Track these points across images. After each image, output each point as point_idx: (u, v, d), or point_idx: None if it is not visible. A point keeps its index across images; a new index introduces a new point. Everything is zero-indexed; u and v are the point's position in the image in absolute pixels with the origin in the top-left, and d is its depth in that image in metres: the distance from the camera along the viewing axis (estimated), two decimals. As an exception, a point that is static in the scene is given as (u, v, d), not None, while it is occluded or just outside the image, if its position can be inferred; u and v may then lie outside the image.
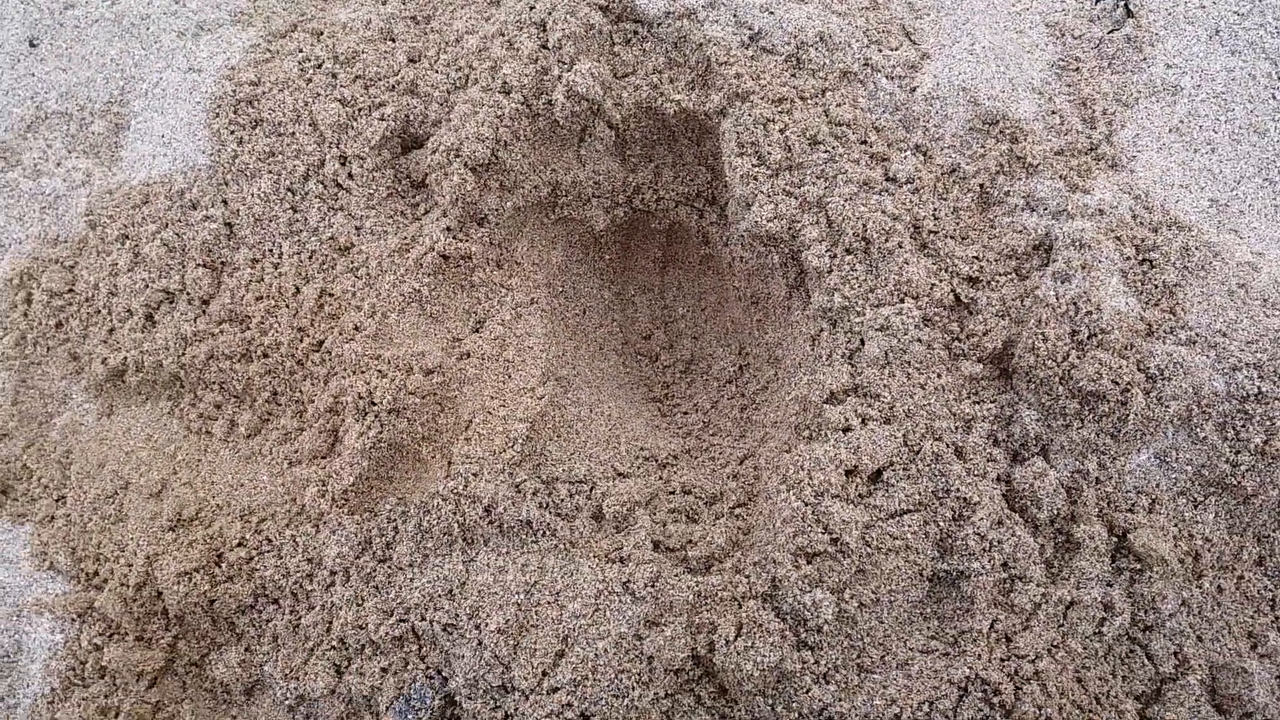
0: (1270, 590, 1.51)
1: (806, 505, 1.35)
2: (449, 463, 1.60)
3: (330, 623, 1.59)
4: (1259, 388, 1.44)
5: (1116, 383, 1.40)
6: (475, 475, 1.54)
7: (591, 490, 1.57)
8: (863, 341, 1.53)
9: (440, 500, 1.53)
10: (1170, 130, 1.77)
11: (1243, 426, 1.45)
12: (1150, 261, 1.54)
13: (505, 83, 1.81)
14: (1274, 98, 1.80)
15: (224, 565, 1.65)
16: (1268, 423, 1.44)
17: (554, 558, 1.49)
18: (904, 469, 1.40)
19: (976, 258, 1.59)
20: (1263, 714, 1.37)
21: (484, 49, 1.88)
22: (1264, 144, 1.75)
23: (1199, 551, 1.46)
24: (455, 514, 1.51)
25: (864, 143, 1.72)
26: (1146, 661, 1.41)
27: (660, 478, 1.64)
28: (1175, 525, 1.46)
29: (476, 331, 1.77)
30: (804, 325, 1.68)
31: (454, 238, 1.78)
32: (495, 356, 1.71)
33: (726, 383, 1.91)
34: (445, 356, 1.69)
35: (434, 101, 1.87)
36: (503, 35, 1.88)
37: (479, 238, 1.82)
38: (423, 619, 1.50)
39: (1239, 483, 1.46)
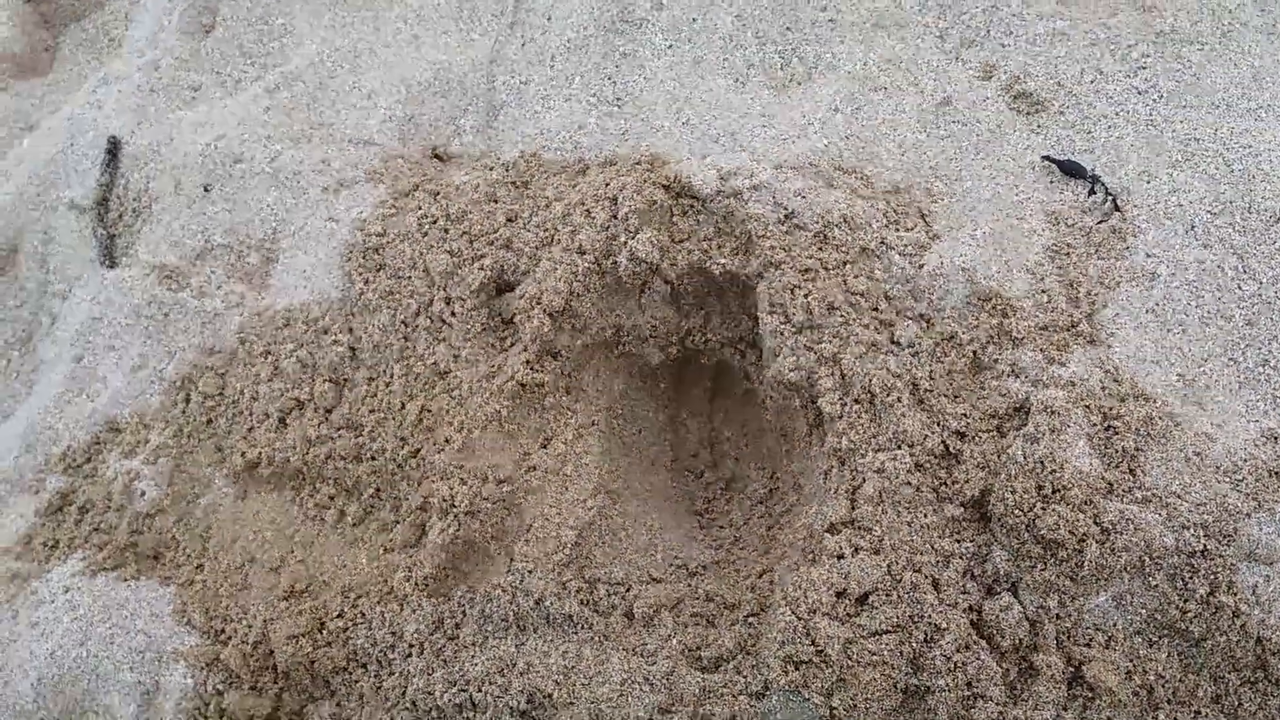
0: (1223, 727, 1.55)
1: (799, 620, 1.47)
2: (510, 559, 1.74)
3: (405, 688, 1.70)
4: (1205, 545, 1.52)
5: (1073, 533, 1.50)
6: (530, 572, 1.68)
7: (627, 592, 1.69)
8: (863, 480, 1.65)
9: (500, 591, 1.67)
10: (1147, 311, 1.86)
11: (1190, 578, 1.52)
12: (1114, 429, 1.64)
13: (581, 245, 2.00)
14: (1239, 287, 1.88)
15: (325, 632, 1.78)
16: (1212, 576, 1.51)
17: (590, 648, 1.61)
18: (886, 595, 1.50)
19: (965, 415, 1.70)
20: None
21: (567, 215, 2.07)
22: (1229, 327, 1.82)
23: (1152, 686, 1.52)
24: (511, 604, 1.65)
25: (875, 309, 1.85)
26: (1096, 782, 1.46)
27: (689, 585, 1.75)
28: (1130, 661, 1.51)
29: (544, 448, 1.92)
30: (820, 460, 1.81)
31: (531, 369, 1.95)
32: (556, 470, 1.86)
33: (758, 503, 2.02)
34: (516, 469, 1.84)
35: (524, 255, 2.05)
36: (583, 204, 2.07)
37: (552, 369, 1.98)
38: (479, 690, 1.62)
39: (1188, 627, 1.51)
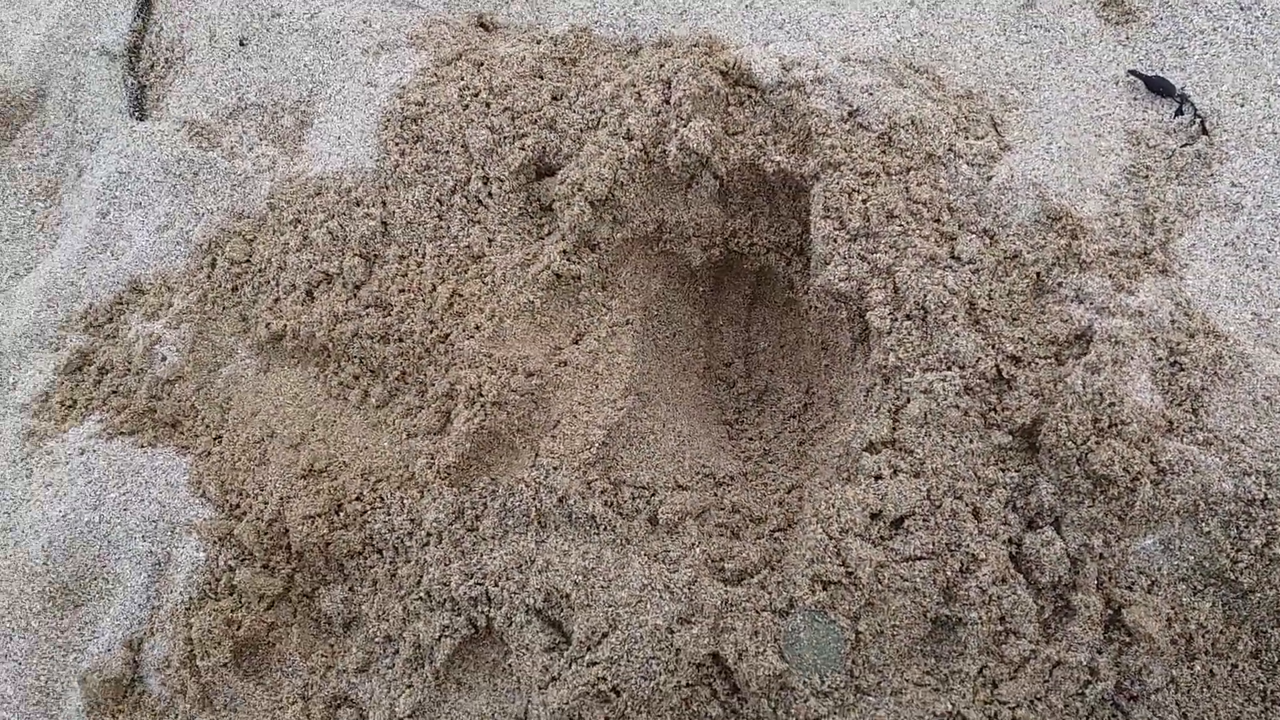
0: (1262, 682, 1.51)
1: (830, 539, 1.42)
2: (535, 454, 1.70)
3: (421, 577, 1.68)
4: (1265, 494, 1.45)
5: (1127, 471, 1.43)
6: (555, 469, 1.64)
7: (652, 497, 1.65)
8: (908, 400, 1.58)
9: (524, 486, 1.63)
10: (1226, 244, 1.76)
11: (1245, 527, 1.45)
12: (1180, 365, 1.56)
13: (629, 130, 1.90)
14: (1328, 226, 1.78)
15: (342, 514, 1.75)
16: (1270, 527, 1.45)
17: (611, 550, 1.58)
18: (923, 520, 1.45)
19: (1022, 339, 1.62)
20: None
21: (616, 96, 1.97)
22: (1313, 268, 1.73)
23: (1192, 635, 1.47)
24: (534, 499, 1.62)
25: (936, 221, 1.75)
26: (1124, 725, 1.44)
27: (715, 494, 1.71)
28: (1172, 608, 1.47)
29: (576, 343, 1.86)
30: (862, 377, 1.74)
31: (568, 259, 1.88)
32: (588, 367, 1.81)
33: (791, 417, 1.97)
34: (546, 362, 1.79)
35: (568, 138, 1.96)
36: (634, 86, 1.97)
37: (589, 261, 1.91)
38: (496, 584, 1.61)
39: (1237, 578, 1.46)
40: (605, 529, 1.61)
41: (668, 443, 1.79)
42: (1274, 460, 1.47)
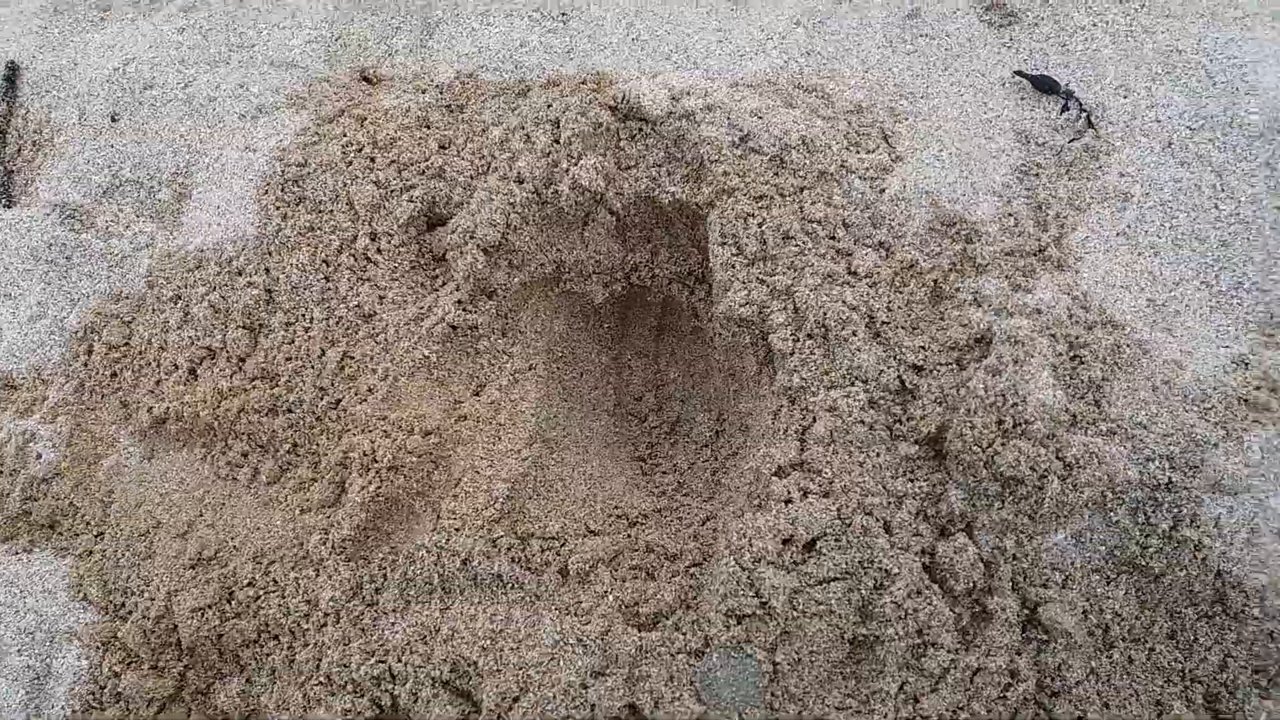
0: (1180, 662, 1.54)
1: (743, 570, 1.42)
2: (437, 517, 1.68)
3: (320, 660, 1.65)
4: (1170, 478, 1.49)
5: (1034, 469, 1.46)
6: (457, 530, 1.62)
7: (562, 547, 1.64)
8: (814, 419, 1.60)
9: (424, 552, 1.61)
10: (1118, 234, 1.82)
11: (1153, 513, 1.49)
12: (1080, 358, 1.60)
13: (519, 173, 1.92)
14: (1216, 207, 1.84)
15: (234, 603, 1.71)
16: (1176, 510, 1.49)
17: (520, 609, 1.57)
18: (835, 540, 1.46)
19: (923, 347, 1.65)
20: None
21: (505, 140, 1.99)
22: (1204, 249, 1.79)
23: (1109, 625, 1.51)
24: (436, 565, 1.60)
25: (832, 238, 1.79)
26: (1049, 725, 1.45)
27: (628, 536, 1.71)
28: (1087, 600, 1.50)
29: (476, 395, 1.86)
30: (769, 400, 1.76)
31: (464, 309, 1.88)
32: (489, 419, 1.80)
33: (703, 446, 1.98)
34: (445, 419, 1.78)
35: (458, 186, 1.97)
36: (522, 129, 1.98)
37: (487, 309, 1.91)
38: (399, 660, 1.58)
39: (1148, 564, 1.50)
40: (513, 587, 1.60)
41: (578, 488, 1.78)
42: (1175, 444, 1.51)
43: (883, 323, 1.68)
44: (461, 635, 1.54)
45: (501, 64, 2.31)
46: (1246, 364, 1.63)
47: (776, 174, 1.86)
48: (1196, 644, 1.54)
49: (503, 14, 2.39)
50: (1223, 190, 1.85)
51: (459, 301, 1.88)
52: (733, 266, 1.79)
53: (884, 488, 1.52)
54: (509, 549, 1.62)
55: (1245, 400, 1.59)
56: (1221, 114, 1.94)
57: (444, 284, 1.94)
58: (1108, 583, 1.53)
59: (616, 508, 1.78)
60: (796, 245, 1.77)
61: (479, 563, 1.59)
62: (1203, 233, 1.80)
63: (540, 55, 2.31)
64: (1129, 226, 1.82)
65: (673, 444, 2.04)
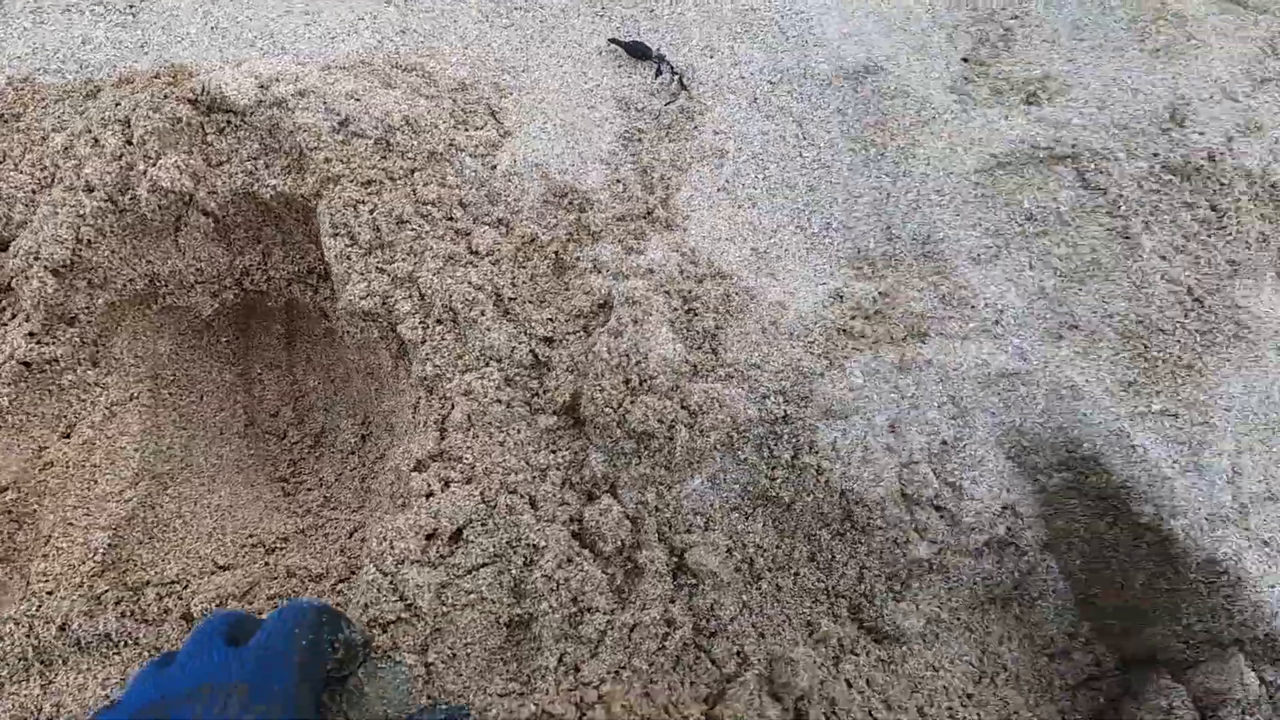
0: (823, 581, 1.71)
1: (385, 575, 1.39)
2: (27, 583, 1.48)
3: None
4: (785, 411, 1.64)
5: (662, 421, 1.54)
6: (50, 593, 1.43)
7: (184, 590, 1.51)
8: (453, 406, 1.59)
9: (13, 624, 1.41)
10: (719, 190, 1.96)
11: (775, 445, 1.63)
12: (694, 311, 1.71)
13: (88, 181, 1.73)
14: (800, 155, 2.03)
15: None
16: (795, 439, 1.64)
17: (138, 666, 1.42)
18: (481, 525, 1.46)
19: (551, 319, 1.69)
20: (808, 696, 1.55)
21: (69, 147, 1.80)
22: (794, 196, 1.97)
23: (753, 558, 1.63)
24: (29, 637, 1.40)
25: (449, 219, 1.77)
26: (711, 665, 1.54)
27: (265, 564, 1.60)
28: (729, 539, 1.62)
29: (65, 438, 1.65)
30: (409, 394, 1.72)
31: (38, 342, 1.66)
32: (82, 463, 1.60)
33: (350, 454, 1.89)
34: (26, 470, 1.56)
35: (18, 204, 1.76)
36: (88, 133, 1.80)
37: (68, 339, 1.70)
38: (-5, 754, 1.38)
39: (779, 494, 1.64)
40: (127, 644, 1.44)
41: (202, 522, 1.64)
42: (786, 379, 1.66)
43: (510, 299, 1.69)
44: (69, 709, 1.37)
45: (64, 65, 2.08)
46: (841, 297, 1.82)
47: (384, 157, 1.81)
48: (834, 562, 1.71)
49: (59, 9, 2.16)
50: (804, 139, 2.06)
51: (31, 334, 1.67)
52: (348, 258, 1.73)
53: (527, 463, 1.54)
54: (118, 603, 1.45)
55: (843, 330, 1.77)
56: (795, 66, 2.15)
57: (14, 316, 1.72)
58: (746, 518, 1.65)
59: (251, 536, 1.65)
60: (413, 229, 1.74)
61: (80, 624, 1.41)
62: (792, 180, 1.99)
63: (109, 52, 2.10)
64: (727, 181, 1.97)
65: (318, 457, 1.93)
